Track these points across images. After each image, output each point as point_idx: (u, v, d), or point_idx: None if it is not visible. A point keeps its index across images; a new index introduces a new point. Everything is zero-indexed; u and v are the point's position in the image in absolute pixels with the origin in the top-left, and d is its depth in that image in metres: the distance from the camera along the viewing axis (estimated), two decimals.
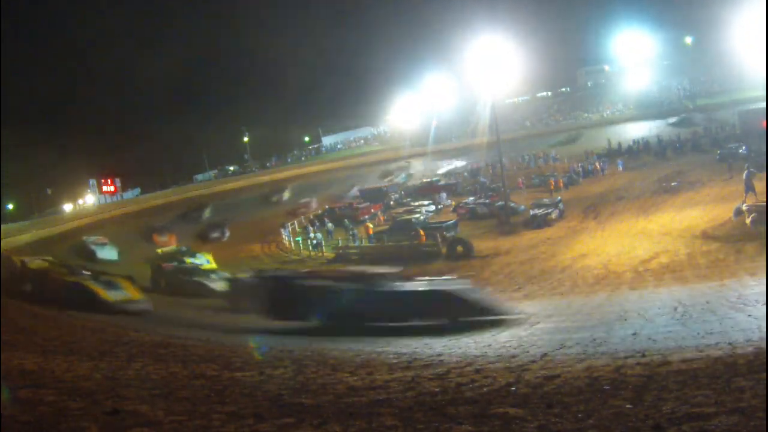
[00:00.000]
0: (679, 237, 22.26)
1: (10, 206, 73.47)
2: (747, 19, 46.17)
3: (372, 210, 41.42)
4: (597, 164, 44.78)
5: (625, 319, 12.99)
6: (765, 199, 22.37)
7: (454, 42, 54.33)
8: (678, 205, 28.41)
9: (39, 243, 46.80)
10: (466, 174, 55.31)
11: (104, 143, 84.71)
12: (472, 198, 39.36)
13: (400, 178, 59.89)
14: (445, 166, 64.01)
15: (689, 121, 58.23)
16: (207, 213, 52.47)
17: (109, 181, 78.19)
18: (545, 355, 10.35)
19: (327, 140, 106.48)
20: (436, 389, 8.06)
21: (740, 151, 37.15)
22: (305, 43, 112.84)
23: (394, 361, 10.91)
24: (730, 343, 9.60)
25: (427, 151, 73.80)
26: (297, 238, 35.37)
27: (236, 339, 15.47)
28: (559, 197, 34.05)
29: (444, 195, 42.65)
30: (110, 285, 18.64)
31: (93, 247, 35.20)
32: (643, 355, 9.28)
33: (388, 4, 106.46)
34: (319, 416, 6.60)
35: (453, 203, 39.86)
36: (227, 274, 22.99)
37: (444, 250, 26.59)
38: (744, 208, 22.43)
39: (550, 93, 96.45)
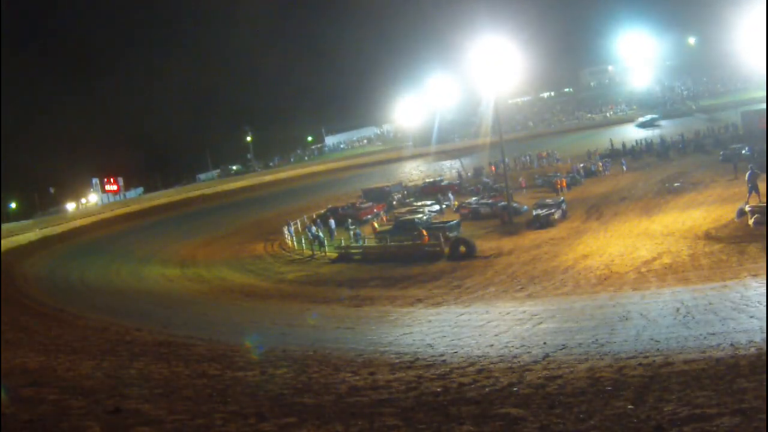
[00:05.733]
0: (681, 238, 22.20)
1: (13, 205, 73.64)
2: (750, 20, 46.00)
3: (375, 210, 41.35)
4: (600, 164, 44.70)
5: (628, 320, 12.96)
6: (766, 200, 22.29)
7: (457, 42, 54.17)
8: (681, 205, 28.33)
9: (43, 241, 47.01)
10: (467, 173, 55.21)
11: (107, 142, 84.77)
12: (474, 198, 39.27)
13: None
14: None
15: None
16: None
17: (112, 180, 78.33)
18: (547, 355, 10.34)
19: (330, 140, 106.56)
20: (438, 389, 8.07)
21: (743, 151, 37.06)
22: (308, 42, 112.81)
23: (396, 361, 10.92)
24: (732, 344, 9.59)
25: (430, 151, 73.78)
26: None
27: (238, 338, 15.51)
28: (562, 197, 33.96)
29: (451, 195, 42.54)
30: None
31: None
32: (645, 356, 9.27)
33: (392, 4, 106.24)
34: (321, 416, 6.61)
35: (456, 203, 39.77)
36: None
37: (447, 250, 26.55)
38: (747, 209, 22.35)
39: (553, 93, 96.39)
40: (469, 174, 55.28)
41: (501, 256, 24.78)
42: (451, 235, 28.70)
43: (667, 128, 58.51)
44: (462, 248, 25.87)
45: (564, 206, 31.79)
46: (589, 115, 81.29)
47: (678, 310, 13.06)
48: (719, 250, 19.35)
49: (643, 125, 63.77)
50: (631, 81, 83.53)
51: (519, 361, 10.05)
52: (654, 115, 66.45)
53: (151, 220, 57.00)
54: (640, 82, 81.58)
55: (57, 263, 38.18)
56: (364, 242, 31.92)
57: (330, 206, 44.85)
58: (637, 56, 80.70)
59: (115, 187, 78.68)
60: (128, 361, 11.27)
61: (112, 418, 6.29)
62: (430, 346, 12.53)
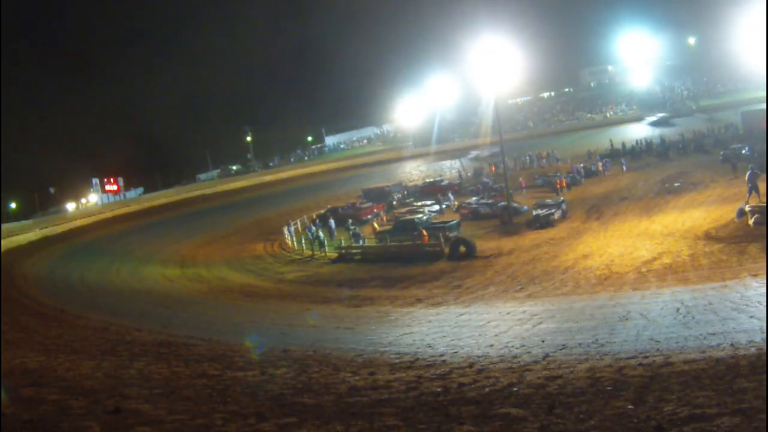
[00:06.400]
0: (681, 238, 22.20)
1: (13, 205, 73.64)
2: (750, 20, 46.01)
3: (375, 210, 41.34)
4: (600, 165, 44.68)
5: (628, 320, 12.95)
6: (766, 200, 22.28)
7: (457, 42, 54.24)
8: (681, 205, 28.35)
9: (43, 241, 46.97)
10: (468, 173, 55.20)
11: (107, 142, 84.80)
12: (475, 198, 39.27)
13: None
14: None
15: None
16: None
17: (112, 180, 78.31)
18: (547, 355, 10.34)
19: (330, 140, 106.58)
20: (438, 389, 8.06)
21: (743, 151, 37.07)
22: (308, 43, 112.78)
23: (396, 361, 10.92)
24: (732, 345, 9.58)
25: (430, 151, 73.78)
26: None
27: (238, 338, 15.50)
28: (562, 198, 33.96)
29: (451, 195, 42.58)
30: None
31: None
32: (645, 356, 9.26)
33: (392, 5, 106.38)
34: (321, 416, 6.61)
35: (456, 203, 39.79)
36: None
37: (447, 250, 26.55)
38: (747, 209, 22.33)
39: (553, 93, 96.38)
40: (469, 174, 55.30)
41: (501, 256, 24.78)
42: (451, 235, 28.69)
43: (676, 127, 58.63)
44: (462, 248, 25.86)
45: (564, 206, 31.78)
46: (589, 115, 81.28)
47: (678, 310, 13.05)
48: (719, 250, 19.34)
49: (656, 123, 64.13)
50: (631, 81, 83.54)
51: (519, 361, 10.04)
52: (663, 114, 66.93)
53: (151, 220, 57.01)
54: (640, 82, 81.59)
55: (57, 263, 38.19)
56: (364, 242, 31.91)
57: (330, 206, 44.83)
58: (637, 56, 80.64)
59: (115, 187, 78.67)
60: (128, 361, 11.26)
61: (112, 418, 6.29)
62: (430, 346, 12.52)
